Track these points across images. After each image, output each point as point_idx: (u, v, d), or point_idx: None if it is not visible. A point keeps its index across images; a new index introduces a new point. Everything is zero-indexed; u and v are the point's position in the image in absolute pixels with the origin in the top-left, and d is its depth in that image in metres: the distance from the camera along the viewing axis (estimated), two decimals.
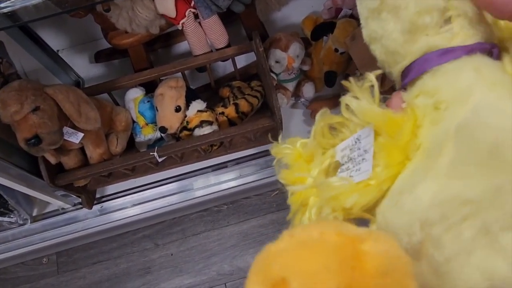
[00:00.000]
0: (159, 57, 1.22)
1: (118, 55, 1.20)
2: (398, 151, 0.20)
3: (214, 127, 0.93)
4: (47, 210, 1.09)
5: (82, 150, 0.93)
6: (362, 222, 0.22)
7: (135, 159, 0.89)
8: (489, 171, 0.16)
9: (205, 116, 0.93)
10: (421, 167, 0.19)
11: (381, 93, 0.22)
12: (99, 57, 1.23)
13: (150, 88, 1.01)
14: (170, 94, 0.91)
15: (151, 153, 0.88)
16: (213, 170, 1.07)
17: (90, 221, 1.08)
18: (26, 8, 0.63)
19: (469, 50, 0.19)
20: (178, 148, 0.89)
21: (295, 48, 0.98)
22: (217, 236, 1.17)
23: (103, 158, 0.93)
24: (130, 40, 0.98)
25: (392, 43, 0.21)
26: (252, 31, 0.93)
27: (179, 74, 0.99)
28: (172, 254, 1.17)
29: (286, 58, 0.97)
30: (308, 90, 1.06)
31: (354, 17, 1.04)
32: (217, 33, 0.97)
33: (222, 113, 0.96)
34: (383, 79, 0.83)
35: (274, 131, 0.93)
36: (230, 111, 0.96)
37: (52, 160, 0.86)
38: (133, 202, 1.08)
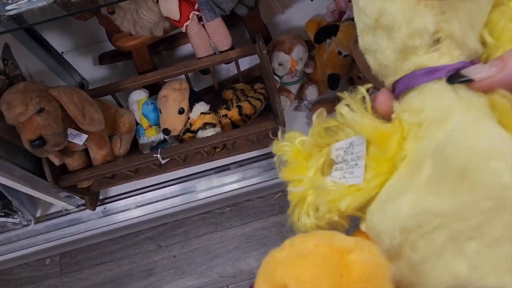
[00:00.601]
0: (163, 59, 1.23)
1: (122, 57, 1.21)
2: (386, 162, 0.23)
3: (217, 129, 0.93)
4: (51, 211, 1.09)
5: (86, 151, 0.93)
6: (355, 217, 0.26)
7: (138, 161, 0.90)
8: (459, 189, 0.19)
9: (208, 118, 0.93)
10: (404, 178, 0.22)
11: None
12: (103, 59, 1.23)
13: (153, 90, 1.01)
14: (173, 96, 0.92)
15: (154, 155, 0.88)
16: (216, 172, 1.07)
17: (93, 222, 1.08)
18: (31, 11, 0.63)
19: (451, 70, 0.21)
20: (181, 150, 0.89)
21: (299, 51, 0.98)
22: (219, 238, 1.17)
23: (106, 160, 0.94)
24: (134, 42, 0.99)
25: (385, 58, 0.23)
26: (255, 34, 0.93)
27: (183, 76, 0.99)
28: (174, 256, 1.17)
29: (289, 61, 0.98)
30: (311, 93, 1.06)
31: None
32: (221, 35, 0.98)
33: (225, 115, 0.96)
34: None
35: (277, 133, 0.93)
36: (233, 113, 0.96)
37: (56, 161, 0.87)
38: (136, 204, 1.08)
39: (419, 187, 0.21)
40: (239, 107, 0.96)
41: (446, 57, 0.22)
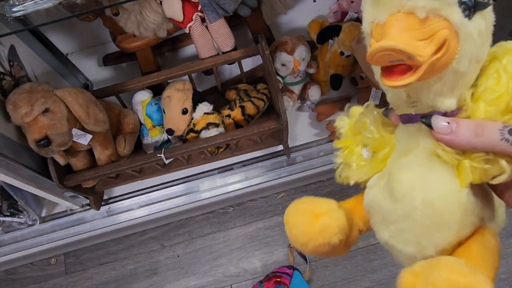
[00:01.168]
0: (166, 60, 1.24)
1: (126, 58, 1.22)
2: (379, 162, 0.35)
3: (221, 129, 0.94)
4: (56, 211, 1.10)
5: (90, 151, 0.94)
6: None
7: (142, 160, 0.90)
8: (392, 199, 0.31)
9: (212, 118, 0.93)
10: (377, 178, 0.35)
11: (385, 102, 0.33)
12: (107, 60, 1.24)
13: (157, 90, 1.02)
14: (177, 96, 0.92)
15: (158, 155, 0.89)
16: (219, 172, 1.08)
17: (97, 222, 1.09)
18: (37, 13, 0.64)
19: (421, 117, 0.29)
20: (185, 150, 0.90)
21: (301, 51, 0.98)
22: (223, 238, 1.18)
23: (111, 160, 0.94)
24: (138, 43, 1.00)
25: (391, 103, 0.32)
26: (258, 35, 0.94)
27: (186, 77, 1.00)
28: (178, 256, 1.18)
29: (292, 61, 0.98)
30: (314, 93, 1.07)
31: (359, 20, 1.04)
32: (224, 36, 0.98)
33: (229, 115, 0.96)
34: None
35: (280, 133, 0.94)
36: (237, 113, 0.96)
37: (61, 161, 0.87)
38: (140, 204, 1.09)
39: (379, 187, 0.33)
40: (242, 107, 0.96)
41: (419, 112, 0.29)
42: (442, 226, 0.29)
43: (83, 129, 0.85)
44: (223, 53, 1.01)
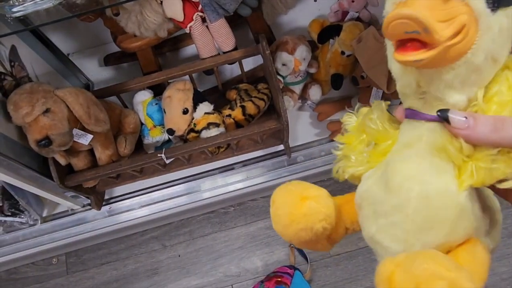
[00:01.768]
0: (167, 60, 1.24)
1: (127, 59, 1.22)
2: (378, 155, 0.34)
3: (221, 129, 0.94)
4: (57, 211, 1.11)
5: (91, 151, 0.94)
6: None
7: (143, 160, 0.91)
8: (386, 189, 0.31)
9: (212, 118, 0.93)
10: (375, 170, 0.34)
11: (387, 95, 0.35)
12: (108, 60, 1.25)
13: (158, 90, 1.02)
14: (177, 96, 0.92)
15: (159, 155, 0.89)
16: (220, 172, 1.08)
17: (98, 222, 1.09)
18: (37, 13, 0.64)
19: (427, 119, 0.29)
20: (186, 150, 0.90)
21: (302, 51, 0.98)
22: (224, 237, 1.18)
23: (111, 160, 0.95)
24: (138, 43, 1.00)
25: (400, 92, 0.32)
26: (259, 34, 0.94)
27: (187, 77, 1.00)
28: (179, 255, 1.18)
29: (292, 61, 0.98)
30: (315, 93, 1.06)
31: (360, 20, 1.04)
32: (224, 36, 0.98)
33: (229, 115, 0.96)
34: (389, 82, 0.83)
35: (281, 133, 0.94)
36: (237, 113, 0.96)
37: (62, 161, 0.88)
38: (141, 204, 1.09)
39: (376, 177, 0.33)
40: (243, 107, 0.96)
41: (427, 104, 0.29)
42: (434, 223, 0.28)
43: (84, 129, 0.85)
44: (224, 53, 1.01)
